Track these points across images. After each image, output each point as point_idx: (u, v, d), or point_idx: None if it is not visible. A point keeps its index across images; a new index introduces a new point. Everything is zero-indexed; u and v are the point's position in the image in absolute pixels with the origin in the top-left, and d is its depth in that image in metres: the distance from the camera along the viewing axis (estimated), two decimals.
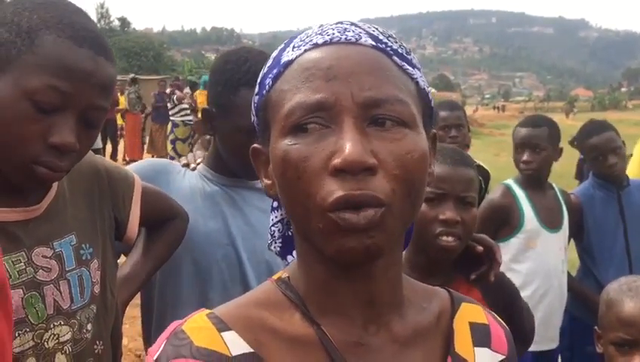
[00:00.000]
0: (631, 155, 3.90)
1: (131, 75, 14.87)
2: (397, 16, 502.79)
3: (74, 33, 1.09)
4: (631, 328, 1.55)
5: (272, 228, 0.83)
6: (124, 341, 4.72)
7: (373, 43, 0.68)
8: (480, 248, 1.62)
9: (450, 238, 1.54)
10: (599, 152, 2.89)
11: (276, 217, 0.82)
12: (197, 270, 1.59)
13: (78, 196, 1.30)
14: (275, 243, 0.83)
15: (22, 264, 1.16)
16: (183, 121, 11.63)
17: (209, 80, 1.69)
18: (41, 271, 1.18)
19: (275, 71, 0.70)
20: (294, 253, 0.80)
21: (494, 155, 18.54)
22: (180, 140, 11.55)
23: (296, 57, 0.68)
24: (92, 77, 1.10)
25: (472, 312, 0.80)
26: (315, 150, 0.63)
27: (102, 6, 72.12)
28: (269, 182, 0.72)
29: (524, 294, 2.68)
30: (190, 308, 1.59)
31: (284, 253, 0.83)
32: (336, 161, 0.61)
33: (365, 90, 0.64)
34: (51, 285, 1.20)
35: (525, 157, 2.72)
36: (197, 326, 0.68)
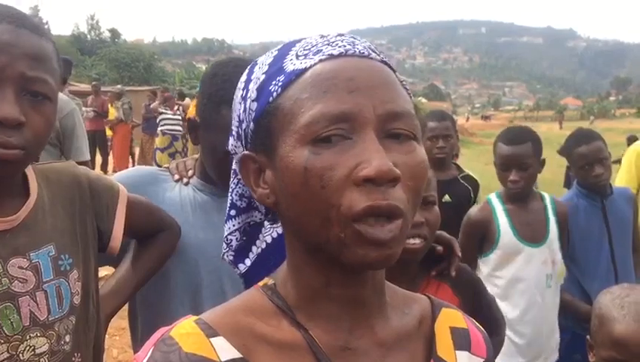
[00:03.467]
0: (616, 161, 3.93)
1: (118, 86, 14.82)
2: (387, 27, 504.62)
3: None
4: (622, 348, 1.52)
5: (229, 236, 0.82)
6: (114, 352, 4.68)
7: (379, 57, 0.70)
8: (440, 248, 1.64)
9: (417, 240, 1.54)
10: (586, 162, 2.89)
11: (234, 226, 0.82)
12: (188, 282, 1.58)
13: (59, 206, 1.29)
14: (230, 251, 0.83)
15: None
16: (161, 131, 11.58)
17: (199, 90, 1.67)
18: (16, 282, 1.17)
19: (281, 78, 0.69)
20: (247, 261, 0.83)
21: (485, 164, 18.55)
22: (158, 150, 11.49)
23: (310, 66, 0.67)
24: (15, 47, 1.10)
25: (452, 317, 0.81)
26: (340, 160, 0.63)
27: (92, 17, 72.05)
28: (265, 191, 0.71)
29: (503, 310, 2.67)
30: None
31: (236, 261, 0.84)
32: (366, 171, 0.62)
33: (386, 103, 0.65)
34: (27, 296, 1.18)
35: (512, 176, 2.64)
36: (185, 332, 0.68)
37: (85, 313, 1.30)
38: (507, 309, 2.65)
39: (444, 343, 0.77)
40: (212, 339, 0.67)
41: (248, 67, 0.76)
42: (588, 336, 1.70)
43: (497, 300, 2.64)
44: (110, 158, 13.85)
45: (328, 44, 0.69)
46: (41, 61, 1.14)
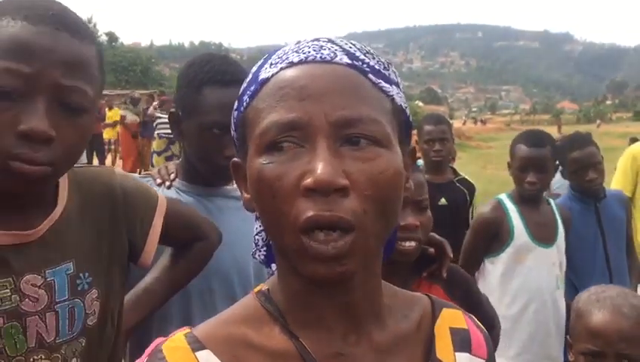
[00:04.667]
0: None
1: (137, 92, 14.82)
2: (384, 30, 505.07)
3: (30, 13, 1.00)
4: (597, 339, 1.57)
5: (256, 236, 0.83)
6: None
7: (349, 61, 0.68)
8: (432, 250, 1.71)
9: (412, 243, 1.61)
10: (579, 166, 2.93)
11: (260, 226, 0.81)
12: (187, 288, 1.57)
13: (87, 218, 1.21)
14: (260, 251, 0.83)
15: (7, 291, 1.09)
16: (158, 134, 11.56)
17: (176, 86, 1.70)
18: (27, 300, 1.11)
19: (252, 88, 0.70)
20: None
21: (481, 168, 18.65)
22: (155, 153, 11.47)
23: (273, 75, 0.68)
24: (52, 53, 1.00)
25: (452, 317, 0.80)
26: (288, 169, 0.63)
27: (89, 20, 71.91)
28: (248, 196, 0.73)
29: (513, 310, 2.72)
30: (172, 321, 1.53)
31: (268, 261, 0.84)
32: (307, 181, 0.61)
33: (339, 109, 0.64)
34: (36, 316, 1.11)
35: (530, 177, 2.68)
36: (174, 345, 0.69)
37: (100, 333, 1.22)
38: (518, 309, 2.72)
39: (443, 345, 0.76)
40: (197, 353, 0.68)
41: None
42: (567, 336, 1.73)
43: (509, 301, 2.71)
44: (108, 162, 13.84)
45: (295, 51, 0.69)
46: (79, 69, 1.04)
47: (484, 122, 68.00)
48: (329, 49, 0.69)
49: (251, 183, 0.67)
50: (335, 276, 0.63)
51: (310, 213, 0.61)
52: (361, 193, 0.63)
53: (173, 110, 1.68)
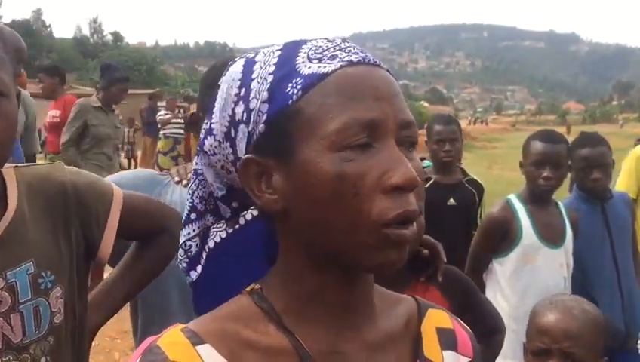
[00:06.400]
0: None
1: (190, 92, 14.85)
2: (389, 31, 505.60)
3: None
4: (545, 337, 1.61)
5: (189, 242, 0.80)
6: (115, 356, 4.65)
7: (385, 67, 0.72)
8: (425, 251, 1.70)
9: None
10: (586, 164, 2.88)
11: (194, 231, 0.79)
12: (185, 281, 1.57)
13: (40, 217, 1.19)
14: (185, 258, 0.81)
15: None
16: (164, 134, 11.56)
17: (199, 89, 1.72)
18: None
19: (299, 81, 0.67)
20: (198, 267, 0.81)
21: (487, 168, 18.62)
22: (161, 153, 11.45)
23: (332, 71, 0.67)
24: None
25: (438, 318, 0.83)
26: (369, 167, 0.65)
27: (95, 20, 72.24)
28: (272, 196, 0.69)
29: (521, 310, 2.67)
30: (179, 321, 1.56)
31: (189, 269, 0.82)
32: (395, 179, 0.64)
33: (401, 112, 0.68)
34: (0, 319, 1.11)
35: (546, 173, 2.65)
36: (172, 341, 0.68)
37: (67, 331, 1.21)
38: (527, 309, 2.66)
39: (430, 343, 0.79)
40: (198, 347, 0.67)
41: (240, 65, 0.73)
42: (524, 341, 1.75)
43: (517, 300, 2.69)
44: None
45: (341, 50, 0.70)
46: None
47: (486, 122, 67.96)
48: (369, 54, 0.71)
49: (323, 181, 0.65)
50: (400, 260, 0.67)
51: (400, 210, 0.64)
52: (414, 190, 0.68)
53: (194, 112, 1.74)
